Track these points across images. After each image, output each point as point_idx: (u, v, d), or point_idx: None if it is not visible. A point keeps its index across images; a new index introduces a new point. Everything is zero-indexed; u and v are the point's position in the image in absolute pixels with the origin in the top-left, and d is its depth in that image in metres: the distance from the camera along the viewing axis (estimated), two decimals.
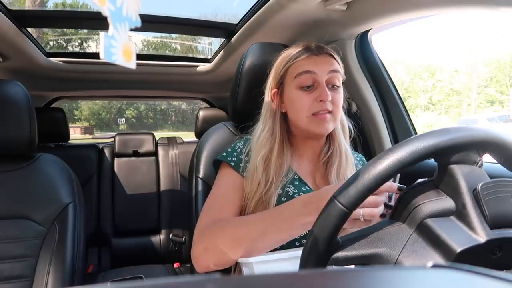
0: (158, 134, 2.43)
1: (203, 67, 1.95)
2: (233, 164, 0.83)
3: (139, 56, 1.85)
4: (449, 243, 0.38)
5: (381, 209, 0.60)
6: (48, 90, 2.10)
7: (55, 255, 0.95)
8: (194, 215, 0.95)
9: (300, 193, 0.80)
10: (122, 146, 2.16)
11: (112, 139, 2.29)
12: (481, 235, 0.38)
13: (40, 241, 0.96)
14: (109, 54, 0.30)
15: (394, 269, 0.36)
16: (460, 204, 0.41)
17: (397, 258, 0.41)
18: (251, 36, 1.34)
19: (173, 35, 2.61)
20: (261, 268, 0.65)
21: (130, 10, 0.32)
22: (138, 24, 0.33)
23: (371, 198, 0.60)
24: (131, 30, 0.33)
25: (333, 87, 0.81)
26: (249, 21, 1.26)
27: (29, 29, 1.38)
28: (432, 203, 0.43)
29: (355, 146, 1.22)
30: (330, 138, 0.88)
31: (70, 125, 2.25)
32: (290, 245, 0.74)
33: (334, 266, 0.44)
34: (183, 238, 2.04)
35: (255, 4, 1.19)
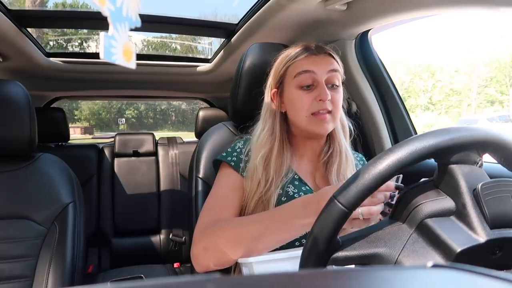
0: (158, 134, 2.43)
1: (203, 67, 1.95)
2: (233, 164, 0.83)
3: (139, 56, 1.85)
4: (449, 243, 0.38)
5: (379, 207, 0.60)
6: (48, 90, 2.10)
7: (55, 255, 0.95)
8: (194, 215, 0.95)
9: (300, 193, 0.80)
10: (122, 146, 2.16)
11: (112, 139, 2.29)
12: (481, 235, 0.38)
13: (40, 241, 0.96)
14: (109, 54, 0.30)
15: (394, 269, 0.36)
16: (460, 204, 0.41)
17: (397, 258, 0.41)
18: (251, 36, 1.34)
19: (173, 35, 2.61)
20: (261, 268, 0.65)
21: (130, 10, 0.32)
22: (138, 24, 0.33)
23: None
24: (131, 30, 0.33)
25: (332, 87, 0.81)
26: (249, 21, 1.26)
27: (29, 29, 1.38)
28: (432, 203, 0.43)
29: (355, 146, 1.22)
30: (330, 138, 0.88)
31: (70, 125, 2.25)
32: (290, 245, 0.74)
33: (334, 266, 0.44)
34: (183, 238, 2.04)
35: (255, 4, 1.19)
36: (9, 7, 1.17)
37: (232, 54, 1.60)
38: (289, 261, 0.65)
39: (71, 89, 2.13)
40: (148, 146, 2.20)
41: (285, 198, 0.79)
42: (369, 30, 1.15)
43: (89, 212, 1.94)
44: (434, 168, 0.45)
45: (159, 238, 2.05)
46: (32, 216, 0.98)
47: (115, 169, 2.11)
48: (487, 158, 0.46)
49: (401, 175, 0.59)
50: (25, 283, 0.93)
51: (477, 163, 0.44)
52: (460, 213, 0.41)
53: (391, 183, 0.62)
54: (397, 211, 0.45)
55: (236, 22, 1.42)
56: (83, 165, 1.99)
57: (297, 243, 0.77)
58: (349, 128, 0.91)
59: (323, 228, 0.43)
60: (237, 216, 0.80)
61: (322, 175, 0.87)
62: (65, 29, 2.36)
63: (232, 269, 0.82)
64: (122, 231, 2.02)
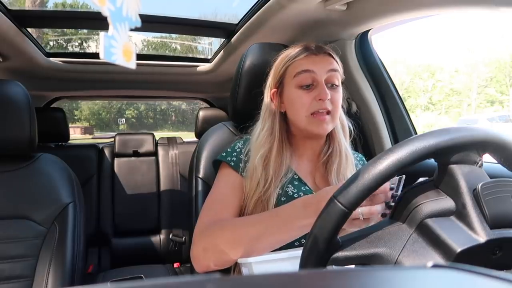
0: (158, 134, 2.43)
1: (203, 67, 1.95)
2: (232, 164, 0.83)
3: (139, 56, 1.85)
4: (449, 243, 0.38)
5: (380, 207, 0.60)
6: (48, 90, 2.10)
7: (55, 255, 0.95)
8: (194, 215, 0.95)
9: (300, 193, 0.80)
10: (122, 146, 2.16)
11: (112, 139, 2.29)
12: (481, 235, 0.38)
13: (40, 241, 0.96)
14: (109, 54, 0.30)
15: (394, 269, 0.36)
16: (460, 204, 0.41)
17: (397, 258, 0.41)
18: (251, 36, 1.34)
19: (173, 35, 2.61)
20: (261, 268, 0.65)
21: (130, 10, 0.32)
22: (138, 24, 0.33)
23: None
24: (131, 30, 0.33)
25: (332, 86, 0.81)
26: (249, 21, 1.26)
27: (29, 29, 1.38)
28: (432, 203, 0.43)
29: (355, 146, 1.22)
30: (330, 137, 0.88)
31: (70, 125, 2.25)
32: (289, 245, 0.74)
33: (334, 266, 0.44)
34: (183, 238, 2.04)
35: (255, 4, 1.19)
36: (9, 7, 1.17)
37: (232, 54, 1.60)
38: (288, 261, 0.65)
39: (71, 89, 2.13)
40: (148, 146, 2.20)
41: (285, 198, 0.79)
42: (369, 30, 1.15)
43: (89, 212, 1.94)
44: (434, 168, 0.45)
45: (159, 238, 2.05)
46: (32, 216, 0.98)
47: (115, 169, 2.11)
48: (487, 158, 0.46)
49: (403, 176, 0.59)
50: (25, 283, 0.93)
51: (477, 163, 0.44)
52: (460, 213, 0.41)
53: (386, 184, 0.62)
54: (397, 211, 0.45)
55: (236, 22, 1.42)
56: (83, 165, 1.99)
57: (296, 243, 0.77)
58: (349, 128, 0.91)
59: (323, 228, 0.43)
60: (237, 216, 0.80)
61: (322, 175, 0.87)
62: (65, 29, 2.36)
63: (232, 269, 0.82)
64: (122, 231, 2.02)
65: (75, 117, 21.26)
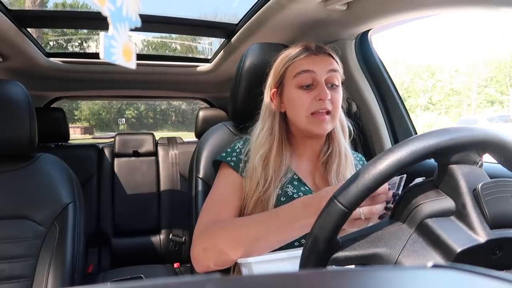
0: (158, 134, 2.43)
1: (203, 67, 1.95)
2: (232, 164, 0.83)
3: (139, 56, 1.85)
4: (449, 243, 0.38)
5: (381, 206, 0.60)
6: (48, 90, 2.10)
7: (55, 255, 0.95)
8: (194, 215, 0.95)
9: (299, 193, 0.80)
10: (122, 146, 2.16)
11: (112, 139, 2.29)
12: (481, 235, 0.38)
13: (40, 241, 0.96)
14: (109, 54, 0.30)
15: (394, 269, 0.36)
16: (460, 204, 0.41)
17: (397, 258, 0.41)
18: (251, 36, 1.34)
19: (173, 35, 2.61)
20: (260, 268, 0.65)
21: (130, 10, 0.32)
22: (138, 24, 0.33)
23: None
24: (131, 30, 0.33)
25: (332, 87, 0.81)
26: (249, 21, 1.26)
27: (29, 29, 1.38)
28: (432, 203, 0.43)
29: (355, 146, 1.22)
30: (330, 138, 0.88)
31: (70, 125, 2.25)
32: (289, 245, 0.74)
33: (334, 266, 0.44)
34: (183, 238, 2.04)
35: (255, 4, 1.19)
36: (9, 7, 1.17)
37: (232, 54, 1.60)
38: (288, 261, 0.65)
39: (71, 89, 2.13)
40: (148, 146, 2.20)
41: (284, 198, 0.79)
42: (369, 30, 1.15)
43: (89, 212, 1.94)
44: (434, 168, 0.45)
45: (159, 238, 2.05)
46: (32, 216, 0.98)
47: (115, 169, 2.11)
48: (487, 158, 0.46)
49: (404, 175, 0.59)
50: (25, 283, 0.93)
51: (477, 163, 0.44)
52: (460, 213, 0.41)
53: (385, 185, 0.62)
54: (397, 211, 0.45)
55: (236, 22, 1.42)
56: (83, 165, 1.99)
57: (296, 243, 0.77)
58: (349, 128, 0.91)
59: (323, 228, 0.43)
60: (237, 216, 0.80)
61: (322, 175, 0.87)
62: (65, 29, 2.36)
63: (232, 269, 0.82)
64: (122, 231, 2.02)
65: (75, 117, 21.25)
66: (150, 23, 1.39)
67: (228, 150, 0.87)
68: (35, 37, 1.46)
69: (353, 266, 0.45)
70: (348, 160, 0.87)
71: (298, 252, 0.47)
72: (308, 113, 0.80)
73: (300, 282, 0.26)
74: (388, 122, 1.24)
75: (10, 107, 0.97)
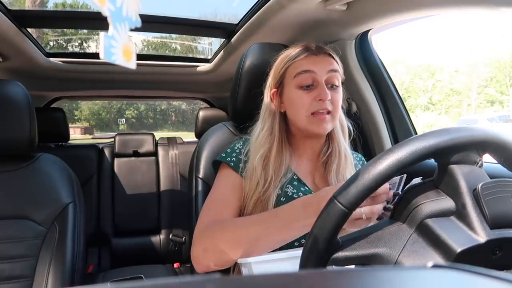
0: (158, 134, 2.43)
1: (203, 67, 1.95)
2: (232, 164, 0.83)
3: (139, 56, 1.85)
4: (449, 243, 0.38)
5: (381, 206, 0.60)
6: (48, 90, 2.10)
7: (55, 255, 0.95)
8: (194, 215, 0.95)
9: (299, 193, 0.80)
10: (122, 146, 2.16)
11: (112, 139, 2.29)
12: (481, 235, 0.38)
13: (40, 241, 0.96)
14: (109, 54, 0.30)
15: (394, 269, 0.36)
16: (460, 204, 0.41)
17: (397, 258, 0.41)
18: (251, 36, 1.34)
19: (173, 35, 2.61)
20: (260, 268, 0.65)
21: (130, 10, 0.32)
22: (138, 24, 0.33)
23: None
24: (131, 30, 0.33)
25: (332, 87, 0.81)
26: (249, 21, 1.26)
27: (29, 29, 1.38)
28: (432, 203, 0.43)
29: (355, 146, 1.22)
30: (329, 138, 0.88)
31: (70, 125, 2.25)
32: (289, 245, 0.74)
33: (334, 266, 0.44)
34: (183, 238, 2.04)
35: (255, 4, 1.19)
36: (9, 7, 1.17)
37: (232, 54, 1.60)
38: (288, 261, 0.65)
39: (71, 89, 2.13)
40: (148, 146, 2.20)
41: (284, 199, 0.79)
42: (369, 30, 1.15)
43: (89, 212, 1.94)
44: (434, 168, 0.45)
45: (159, 238, 2.05)
46: (32, 216, 0.98)
47: (115, 169, 2.11)
48: (487, 158, 0.46)
49: (404, 175, 0.59)
50: (25, 283, 0.93)
51: (477, 163, 0.44)
52: (460, 213, 0.41)
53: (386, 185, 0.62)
54: (397, 211, 0.45)
55: (236, 22, 1.42)
56: (83, 165, 1.99)
57: (296, 243, 0.77)
58: (349, 128, 0.91)
59: (323, 228, 0.43)
60: (237, 216, 0.80)
61: (321, 175, 0.87)
62: (65, 29, 2.36)
63: (232, 269, 0.82)
64: (122, 231, 2.02)
65: (75, 117, 21.25)
66: (150, 23, 1.39)
67: (227, 150, 0.87)
68: (35, 37, 1.46)
69: (353, 266, 0.45)
70: (348, 160, 0.87)
71: (298, 252, 0.47)
72: (308, 113, 0.80)
73: (300, 282, 0.26)
74: (388, 122, 1.24)
75: (10, 107, 0.97)
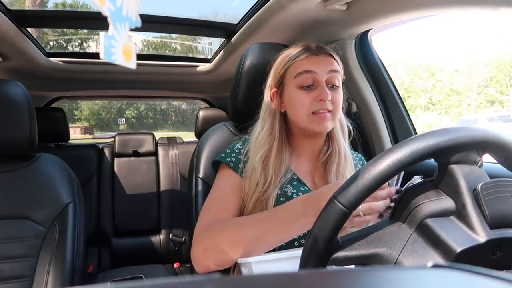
0: (158, 134, 2.43)
1: (203, 67, 1.95)
2: (232, 164, 0.83)
3: (139, 56, 1.85)
4: (449, 243, 0.38)
5: (380, 203, 0.60)
6: (48, 90, 2.10)
7: (55, 255, 0.95)
8: (194, 215, 0.95)
9: (299, 193, 0.80)
10: (122, 146, 2.16)
11: (112, 139, 2.29)
12: (481, 235, 0.38)
13: (40, 241, 0.96)
14: (109, 54, 0.30)
15: (394, 269, 0.36)
16: (460, 204, 0.41)
17: (397, 258, 0.41)
18: (251, 36, 1.34)
19: (173, 35, 2.61)
20: (260, 268, 0.65)
21: (130, 10, 0.32)
22: (138, 24, 0.33)
23: None
24: (131, 30, 0.33)
25: (332, 87, 0.81)
26: (249, 21, 1.26)
27: (29, 29, 1.38)
28: (432, 203, 0.43)
29: (355, 146, 1.22)
30: (329, 138, 0.88)
31: (70, 125, 2.25)
32: (289, 245, 0.74)
33: (334, 266, 0.44)
34: (183, 238, 2.04)
35: (255, 4, 1.19)
36: (9, 7, 1.17)
37: (232, 54, 1.60)
38: (288, 261, 0.65)
39: (71, 89, 2.13)
40: (148, 146, 2.20)
41: (284, 199, 0.79)
42: (369, 30, 1.15)
43: (89, 212, 1.94)
44: (434, 168, 0.45)
45: (159, 238, 2.05)
46: (32, 216, 0.98)
47: (115, 169, 2.11)
48: (487, 158, 0.46)
49: (402, 172, 0.60)
50: (25, 283, 0.93)
51: (477, 163, 0.44)
52: (460, 213, 0.41)
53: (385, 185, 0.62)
54: (397, 211, 0.45)
55: (236, 22, 1.42)
56: (83, 165, 1.99)
57: (296, 243, 0.77)
58: (348, 128, 0.91)
59: (323, 228, 0.43)
60: (237, 216, 0.80)
61: (321, 175, 0.87)
62: (65, 29, 2.36)
63: (232, 269, 0.82)
64: (122, 231, 2.02)
65: (75, 117, 21.25)
66: (150, 23, 1.39)
67: (227, 150, 0.87)
68: (35, 37, 1.46)
69: (353, 266, 0.45)
70: (347, 160, 0.87)
71: (298, 252, 0.47)
72: (309, 112, 0.80)
73: (300, 282, 0.26)
74: (388, 122, 1.24)
75: (10, 107, 0.97)
